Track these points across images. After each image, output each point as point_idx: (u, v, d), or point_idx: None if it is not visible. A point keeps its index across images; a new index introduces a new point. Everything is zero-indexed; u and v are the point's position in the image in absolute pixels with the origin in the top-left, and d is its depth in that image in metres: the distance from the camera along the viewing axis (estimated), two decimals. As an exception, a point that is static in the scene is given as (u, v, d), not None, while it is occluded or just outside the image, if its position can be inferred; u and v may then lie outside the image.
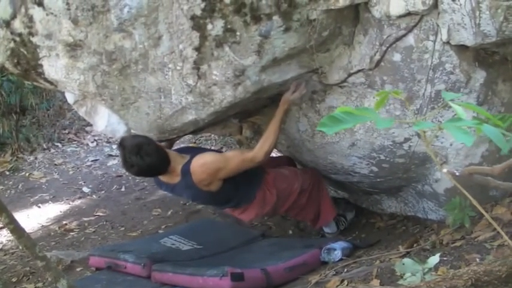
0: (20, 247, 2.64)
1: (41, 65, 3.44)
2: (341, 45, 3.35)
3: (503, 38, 2.79)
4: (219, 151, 4.36)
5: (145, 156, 3.51)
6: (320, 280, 3.28)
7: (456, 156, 3.42)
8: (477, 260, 2.76)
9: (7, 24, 3.33)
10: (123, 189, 6.36)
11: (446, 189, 3.62)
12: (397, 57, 3.17)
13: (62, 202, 6.16)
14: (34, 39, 3.31)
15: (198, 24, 3.07)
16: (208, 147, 6.53)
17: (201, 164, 3.64)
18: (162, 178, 3.81)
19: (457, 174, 1.55)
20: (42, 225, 5.56)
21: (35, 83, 3.82)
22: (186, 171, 3.65)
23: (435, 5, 2.93)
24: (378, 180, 3.92)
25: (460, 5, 2.82)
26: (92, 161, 7.43)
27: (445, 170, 1.50)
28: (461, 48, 3.04)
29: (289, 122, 3.88)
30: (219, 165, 3.64)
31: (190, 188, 3.70)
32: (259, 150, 3.65)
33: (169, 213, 5.42)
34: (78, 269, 4.30)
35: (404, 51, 3.14)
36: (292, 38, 3.16)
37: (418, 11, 2.97)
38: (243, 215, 4.06)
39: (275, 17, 3.06)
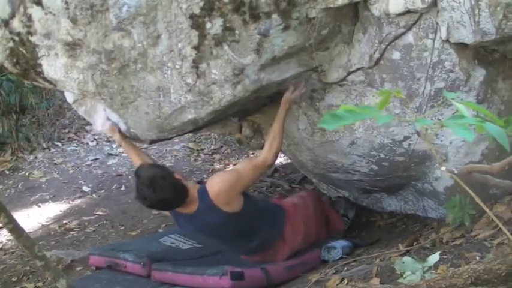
0: (20, 247, 2.64)
1: (40, 65, 3.44)
2: (340, 44, 3.34)
3: (503, 36, 2.79)
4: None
5: (158, 190, 3.37)
6: (320, 279, 3.28)
7: (456, 154, 3.41)
8: (477, 258, 2.76)
9: (6, 23, 3.33)
10: (123, 188, 6.37)
11: (446, 187, 3.62)
12: (396, 55, 3.17)
13: (62, 201, 6.17)
14: (33, 39, 3.31)
15: (197, 23, 3.06)
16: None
17: (217, 181, 3.52)
18: (180, 209, 3.59)
19: (456, 172, 1.54)
20: (42, 225, 5.56)
21: (34, 83, 3.82)
22: (202, 191, 3.50)
23: (434, 3, 2.92)
24: (378, 178, 3.91)
25: (459, 2, 2.82)
26: (92, 160, 7.44)
27: (443, 168, 1.49)
28: (460, 46, 3.04)
29: (288, 121, 3.87)
30: (234, 178, 3.52)
31: (211, 210, 3.49)
32: (268, 153, 3.57)
33: (169, 212, 5.42)
34: (78, 268, 4.30)
35: (403, 50, 3.14)
36: (292, 36, 3.16)
37: (418, 9, 2.96)
38: (277, 256, 3.83)
39: (274, 16, 3.05)
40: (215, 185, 3.50)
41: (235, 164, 6.50)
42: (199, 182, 3.77)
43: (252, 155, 6.69)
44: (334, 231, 4.22)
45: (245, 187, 3.60)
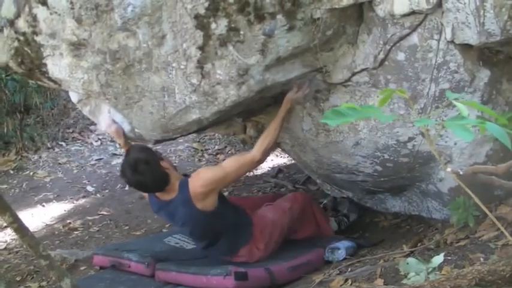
0: (24, 246, 2.64)
1: (45, 64, 3.45)
2: (345, 44, 3.34)
3: (508, 37, 2.79)
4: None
5: (139, 173, 3.50)
6: (324, 279, 3.28)
7: (460, 155, 3.41)
8: (481, 259, 2.76)
9: (11, 23, 3.34)
10: (127, 188, 6.35)
11: (450, 188, 3.61)
12: (401, 56, 3.17)
13: (66, 201, 6.18)
14: (38, 39, 3.31)
15: (201, 23, 3.07)
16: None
17: (200, 176, 3.60)
18: (159, 195, 3.71)
19: (461, 173, 1.54)
20: (46, 224, 5.57)
21: (39, 82, 3.83)
22: (184, 183, 3.59)
23: (439, 4, 2.92)
24: (382, 179, 3.91)
25: (464, 3, 2.81)
26: (96, 160, 7.44)
27: (449, 169, 1.50)
28: (465, 47, 3.03)
29: (293, 121, 3.87)
30: (218, 176, 3.58)
31: (185, 204, 3.58)
32: (258, 150, 3.62)
33: (173, 212, 5.42)
34: (82, 268, 4.31)
35: (408, 50, 3.14)
36: (296, 37, 3.16)
37: (422, 10, 2.96)
38: (249, 258, 3.83)
39: (279, 16, 3.05)
40: (197, 180, 3.58)
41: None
42: (185, 175, 3.82)
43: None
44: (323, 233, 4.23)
45: (227, 184, 3.70)
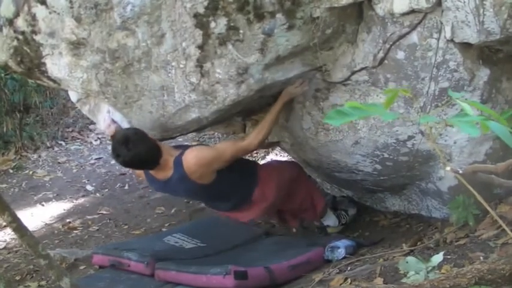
0: (23, 245, 2.64)
1: (44, 63, 3.45)
2: (344, 43, 3.34)
3: (507, 35, 2.78)
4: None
5: (132, 146, 3.49)
6: (324, 278, 3.28)
7: (460, 154, 3.41)
8: (481, 258, 2.76)
9: (10, 22, 3.34)
10: (126, 187, 6.37)
11: (450, 187, 3.61)
12: (400, 55, 3.17)
13: (66, 200, 6.18)
14: (37, 38, 3.31)
15: (201, 22, 3.07)
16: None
17: (194, 155, 3.63)
18: (155, 174, 3.76)
19: (461, 172, 1.54)
20: (46, 224, 5.57)
21: (38, 82, 3.83)
22: (178, 161, 3.62)
23: (439, 3, 2.92)
24: (382, 178, 3.91)
25: (464, 2, 2.81)
26: (96, 159, 7.44)
27: (448, 168, 1.49)
28: (465, 46, 3.03)
29: (292, 120, 3.87)
30: (212, 157, 3.65)
31: (183, 180, 3.66)
32: (253, 139, 3.68)
33: (172, 211, 5.42)
34: (81, 267, 4.30)
35: (407, 49, 3.13)
36: (296, 36, 3.16)
37: (422, 9, 2.96)
38: (243, 216, 4.06)
39: (278, 15, 3.05)
40: (191, 158, 3.62)
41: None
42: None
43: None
44: (318, 208, 4.34)
45: (221, 166, 3.68)
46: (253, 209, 4.02)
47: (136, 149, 3.51)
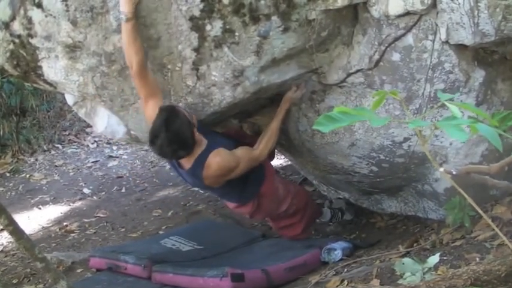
0: (20, 249, 2.64)
1: (40, 67, 3.44)
2: (340, 45, 3.35)
3: (502, 37, 2.80)
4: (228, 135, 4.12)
5: (171, 125, 3.21)
6: (320, 280, 3.29)
7: (456, 155, 3.42)
8: (477, 259, 2.77)
9: (6, 25, 3.33)
10: (123, 190, 6.37)
11: (446, 188, 3.62)
12: (396, 56, 3.18)
13: (63, 203, 6.17)
14: (33, 41, 3.31)
15: (196, 25, 3.07)
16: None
17: (216, 163, 3.42)
18: (181, 160, 3.51)
19: (454, 173, 1.54)
20: (43, 227, 5.56)
21: (34, 85, 3.82)
22: (200, 161, 3.43)
23: (434, 5, 2.93)
24: (378, 180, 3.92)
25: (459, 4, 2.82)
26: (93, 162, 7.43)
27: (441, 169, 1.50)
28: (460, 48, 3.04)
29: (288, 122, 3.87)
30: (232, 165, 3.49)
31: (195, 177, 3.52)
32: (263, 150, 3.61)
33: (169, 214, 5.43)
34: (78, 270, 4.30)
35: (403, 51, 3.14)
36: (291, 38, 3.17)
37: (417, 11, 2.97)
38: (260, 209, 3.94)
39: (274, 18, 3.06)
40: (213, 164, 3.42)
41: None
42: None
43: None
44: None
45: (236, 176, 3.56)
46: (262, 204, 3.91)
47: (176, 130, 3.23)
